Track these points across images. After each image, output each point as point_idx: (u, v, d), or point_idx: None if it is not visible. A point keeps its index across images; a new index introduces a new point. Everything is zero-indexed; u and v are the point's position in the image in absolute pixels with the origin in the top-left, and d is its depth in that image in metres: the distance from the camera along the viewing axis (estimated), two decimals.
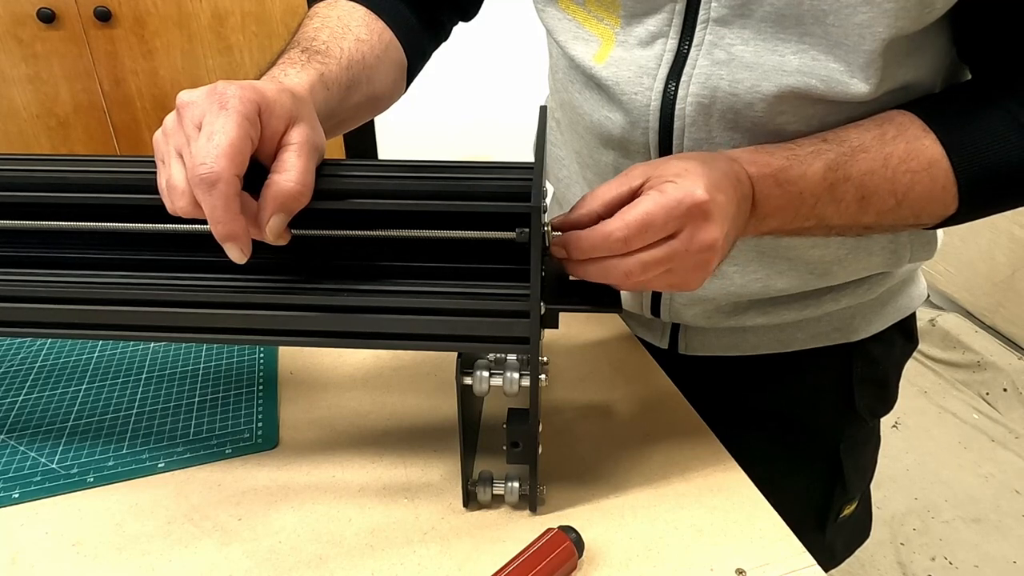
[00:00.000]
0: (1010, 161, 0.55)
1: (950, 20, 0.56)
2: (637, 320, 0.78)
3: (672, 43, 0.58)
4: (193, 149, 0.44)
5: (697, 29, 0.56)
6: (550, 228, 0.51)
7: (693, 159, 0.50)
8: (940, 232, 0.72)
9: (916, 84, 0.58)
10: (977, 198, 0.57)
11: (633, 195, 0.49)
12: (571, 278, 0.54)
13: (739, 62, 0.56)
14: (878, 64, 0.53)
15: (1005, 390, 1.98)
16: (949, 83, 0.61)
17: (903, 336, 0.78)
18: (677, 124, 0.59)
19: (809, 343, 0.73)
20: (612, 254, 0.48)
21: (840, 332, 0.73)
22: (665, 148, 0.61)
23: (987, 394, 2.01)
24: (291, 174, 0.46)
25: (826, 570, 0.52)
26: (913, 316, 0.79)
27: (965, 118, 0.56)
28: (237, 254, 0.46)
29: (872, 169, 0.54)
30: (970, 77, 0.62)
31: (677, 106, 0.58)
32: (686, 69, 0.57)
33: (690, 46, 0.57)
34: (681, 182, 0.47)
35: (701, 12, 0.56)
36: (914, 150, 0.55)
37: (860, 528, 0.90)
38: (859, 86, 0.54)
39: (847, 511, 0.83)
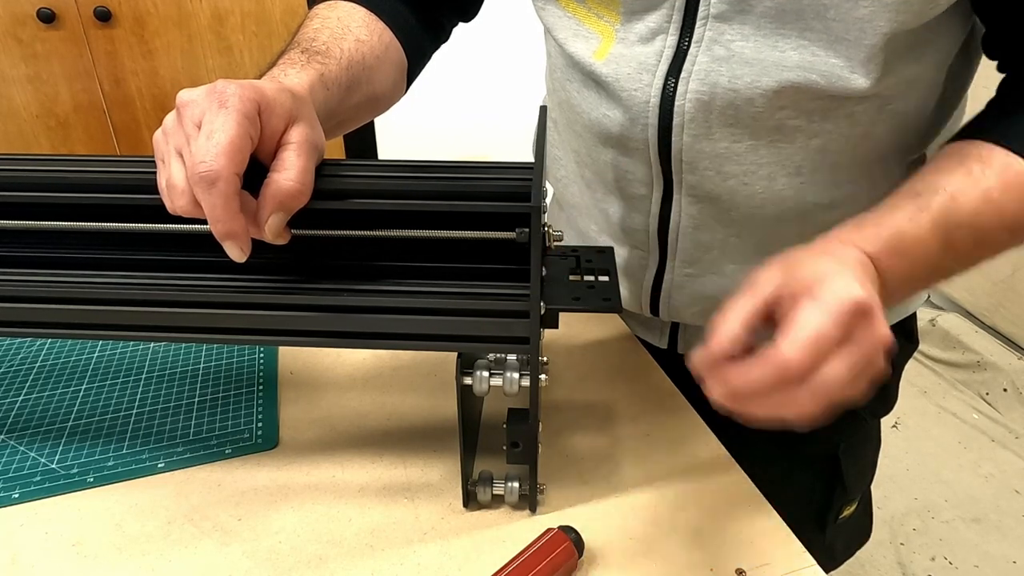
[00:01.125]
0: None
1: (971, 15, 0.55)
2: (636, 319, 0.78)
3: (672, 39, 0.58)
4: (193, 148, 0.44)
5: (697, 25, 0.57)
6: (550, 228, 0.51)
7: (818, 255, 0.46)
8: None
9: (919, 78, 0.58)
10: None
11: (768, 306, 0.44)
12: (571, 278, 0.54)
13: (739, 58, 0.56)
14: (879, 59, 0.53)
15: (1005, 390, 1.98)
16: (953, 78, 0.61)
17: (903, 336, 0.78)
18: (676, 121, 0.59)
19: None
20: (792, 383, 0.41)
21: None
22: (664, 145, 0.61)
23: (987, 394, 2.01)
24: (291, 173, 0.46)
25: (826, 571, 0.52)
26: (913, 316, 0.79)
27: None
28: (237, 253, 0.46)
29: (978, 209, 0.51)
30: (976, 71, 0.61)
31: (676, 103, 0.58)
32: (685, 65, 0.58)
33: (690, 42, 0.57)
34: (830, 283, 0.42)
35: (701, 8, 0.56)
36: (1009, 178, 0.52)
37: (860, 529, 0.90)
38: (860, 81, 0.54)
39: (847, 512, 0.83)
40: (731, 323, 0.43)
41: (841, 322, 0.41)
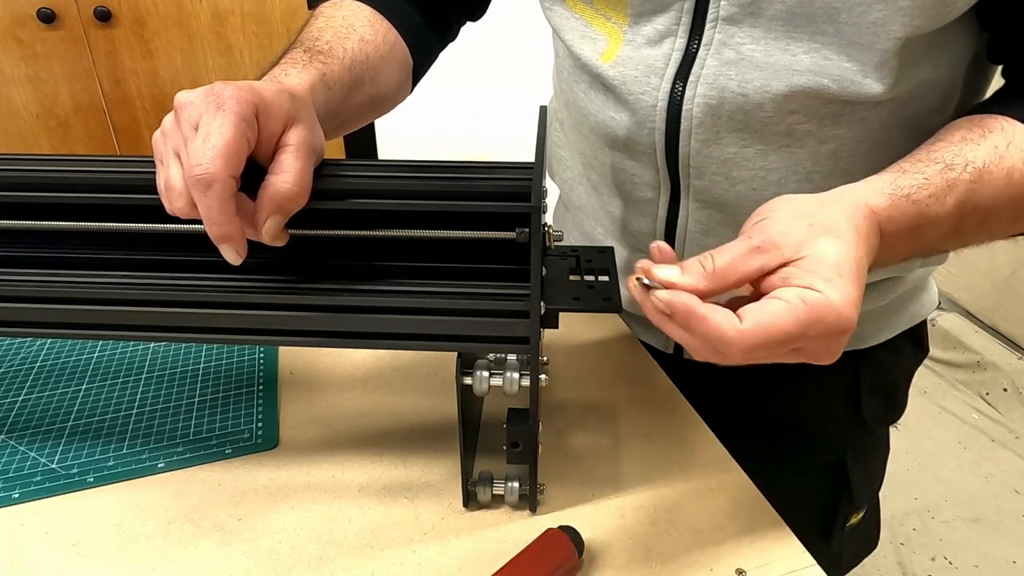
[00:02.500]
0: None
1: (976, 20, 0.55)
2: (642, 323, 0.78)
3: (681, 42, 0.57)
4: (190, 150, 0.44)
5: (706, 28, 0.56)
6: (550, 228, 0.51)
7: (844, 240, 0.42)
8: None
9: (935, 82, 0.57)
10: None
11: (764, 274, 0.42)
12: (571, 278, 0.54)
13: (749, 62, 0.55)
14: (893, 64, 0.52)
15: (1005, 390, 1.98)
16: (971, 81, 0.60)
17: (913, 344, 0.77)
18: (684, 125, 0.58)
19: None
20: (725, 352, 0.41)
21: (849, 339, 0.72)
22: (671, 150, 0.60)
23: (987, 394, 2.01)
24: (288, 176, 0.46)
25: None
26: (923, 324, 0.78)
27: None
28: (232, 255, 0.46)
29: (998, 191, 0.50)
30: (994, 73, 0.60)
31: (684, 107, 0.58)
32: (694, 69, 0.57)
33: (699, 45, 0.56)
34: (831, 294, 0.40)
35: (710, 11, 0.55)
36: None
37: (867, 538, 0.89)
38: (873, 86, 0.53)
39: (854, 520, 0.82)
40: (717, 281, 0.41)
41: (808, 333, 0.40)
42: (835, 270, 0.41)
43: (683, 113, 0.58)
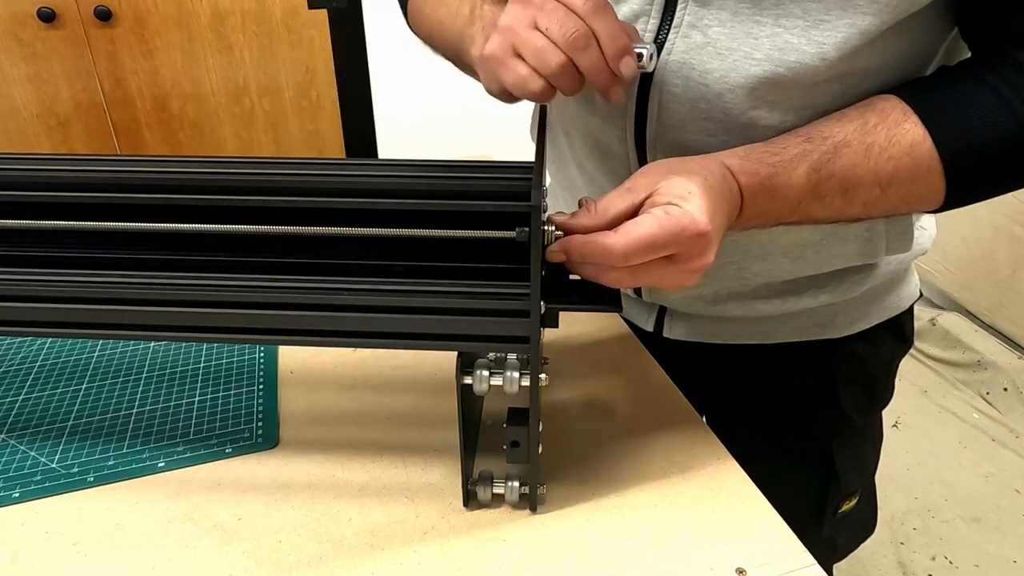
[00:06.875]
0: (997, 137, 0.54)
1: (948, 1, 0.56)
2: (624, 301, 0.78)
3: (653, 23, 0.58)
4: (559, 20, 0.48)
5: (678, 9, 0.57)
6: (551, 228, 0.51)
7: (695, 175, 0.51)
8: (925, 225, 0.72)
9: (895, 65, 0.58)
10: (964, 176, 0.55)
11: (636, 209, 0.50)
12: (571, 277, 0.54)
13: (713, 47, 0.56)
14: (854, 44, 0.53)
15: (1005, 390, 1.98)
16: (938, 63, 0.61)
17: (893, 336, 0.78)
18: (651, 109, 0.60)
19: (791, 336, 0.73)
20: (609, 265, 0.49)
21: (821, 328, 0.73)
22: (640, 136, 0.61)
23: (987, 394, 2.01)
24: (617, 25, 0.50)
25: (828, 563, 0.52)
26: (905, 316, 0.78)
27: (949, 96, 0.55)
28: (621, 94, 0.51)
29: (855, 162, 0.55)
30: (961, 55, 0.61)
31: (651, 92, 0.59)
32: (663, 55, 0.58)
33: (669, 29, 0.58)
34: (686, 206, 0.49)
35: None
36: (895, 135, 0.55)
37: (863, 523, 0.89)
38: (830, 69, 0.54)
39: (847, 506, 0.82)
40: (598, 216, 0.51)
41: (673, 241, 0.48)
42: (687, 192, 0.50)
43: (650, 100, 0.59)
